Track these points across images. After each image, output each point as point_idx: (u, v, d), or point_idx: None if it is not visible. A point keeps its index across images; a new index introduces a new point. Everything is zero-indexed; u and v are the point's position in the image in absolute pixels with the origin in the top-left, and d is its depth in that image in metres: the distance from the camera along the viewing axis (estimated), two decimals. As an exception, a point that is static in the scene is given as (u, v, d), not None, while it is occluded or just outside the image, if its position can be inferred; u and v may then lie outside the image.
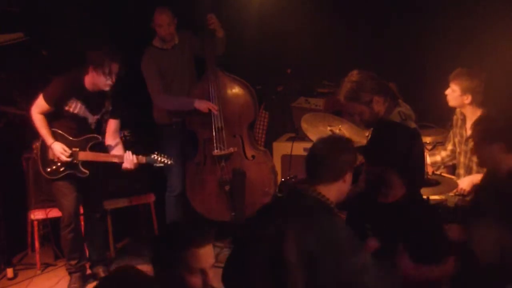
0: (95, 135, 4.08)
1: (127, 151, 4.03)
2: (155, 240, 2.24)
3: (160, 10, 4.53)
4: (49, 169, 4.03)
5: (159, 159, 4.10)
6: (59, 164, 4.00)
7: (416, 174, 2.92)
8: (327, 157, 2.49)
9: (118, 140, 4.17)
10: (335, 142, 2.60)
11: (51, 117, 4.01)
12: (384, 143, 2.71)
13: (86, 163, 4.04)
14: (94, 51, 3.88)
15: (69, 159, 3.96)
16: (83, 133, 4.04)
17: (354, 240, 2.40)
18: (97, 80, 3.89)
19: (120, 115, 4.17)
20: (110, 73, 3.85)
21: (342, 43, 5.24)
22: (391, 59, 4.96)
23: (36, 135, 4.09)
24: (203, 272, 2.11)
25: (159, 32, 4.57)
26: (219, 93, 4.65)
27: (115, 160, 4.04)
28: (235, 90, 4.75)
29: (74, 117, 3.99)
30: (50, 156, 4.01)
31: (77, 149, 4.01)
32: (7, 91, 4.68)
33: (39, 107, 3.97)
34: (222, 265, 2.63)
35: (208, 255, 2.13)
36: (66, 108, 3.96)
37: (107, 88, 3.92)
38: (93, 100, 4.00)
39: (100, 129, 4.13)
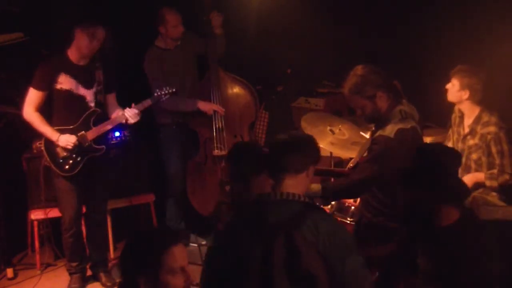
0: (93, 109, 4.00)
1: (126, 108, 4.00)
2: (128, 254, 2.18)
3: (171, 11, 4.50)
4: (67, 166, 3.94)
5: (162, 92, 4.09)
6: (73, 156, 3.93)
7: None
8: (291, 148, 2.41)
9: (118, 108, 4.10)
10: (295, 136, 2.52)
11: (46, 111, 3.96)
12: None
13: (97, 140, 4.00)
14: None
15: (77, 144, 3.90)
16: (83, 114, 3.98)
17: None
18: (80, 43, 3.85)
19: (115, 88, 4.14)
20: (94, 36, 3.83)
21: (342, 43, 5.24)
22: (391, 59, 4.95)
23: (36, 134, 4.07)
24: (184, 271, 2.13)
25: (174, 32, 4.53)
26: (221, 93, 4.65)
27: (121, 120, 4.01)
28: (236, 90, 4.75)
29: (70, 96, 3.92)
30: (61, 154, 3.94)
31: (83, 132, 3.95)
32: (7, 91, 4.67)
33: (32, 101, 3.89)
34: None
35: (183, 253, 2.17)
36: (58, 86, 3.89)
37: (87, 51, 3.88)
38: (81, 72, 3.94)
39: (101, 106, 4.06)
